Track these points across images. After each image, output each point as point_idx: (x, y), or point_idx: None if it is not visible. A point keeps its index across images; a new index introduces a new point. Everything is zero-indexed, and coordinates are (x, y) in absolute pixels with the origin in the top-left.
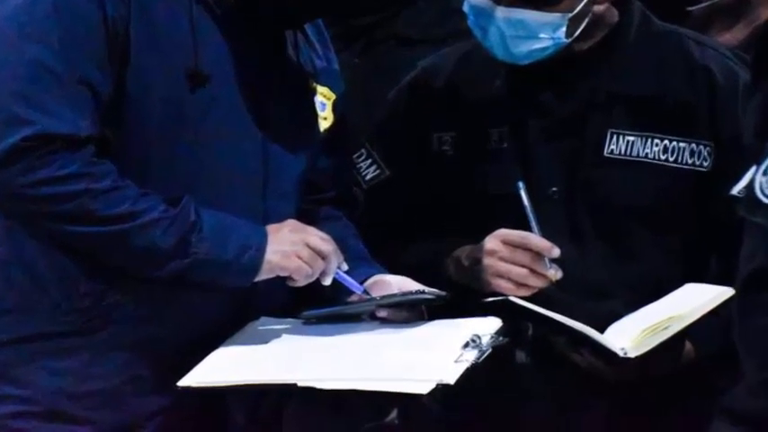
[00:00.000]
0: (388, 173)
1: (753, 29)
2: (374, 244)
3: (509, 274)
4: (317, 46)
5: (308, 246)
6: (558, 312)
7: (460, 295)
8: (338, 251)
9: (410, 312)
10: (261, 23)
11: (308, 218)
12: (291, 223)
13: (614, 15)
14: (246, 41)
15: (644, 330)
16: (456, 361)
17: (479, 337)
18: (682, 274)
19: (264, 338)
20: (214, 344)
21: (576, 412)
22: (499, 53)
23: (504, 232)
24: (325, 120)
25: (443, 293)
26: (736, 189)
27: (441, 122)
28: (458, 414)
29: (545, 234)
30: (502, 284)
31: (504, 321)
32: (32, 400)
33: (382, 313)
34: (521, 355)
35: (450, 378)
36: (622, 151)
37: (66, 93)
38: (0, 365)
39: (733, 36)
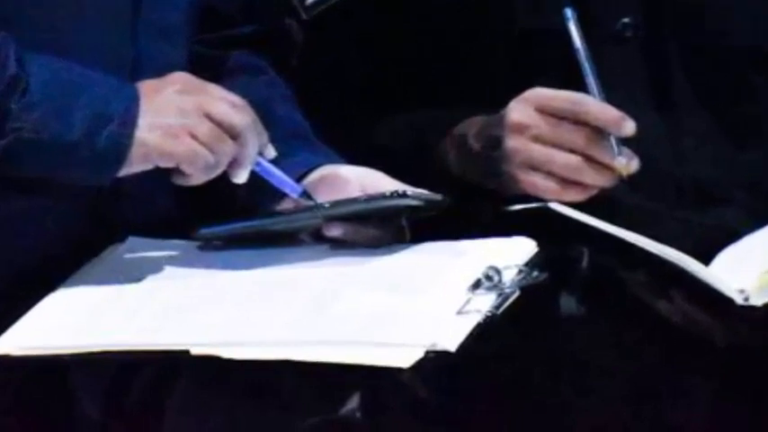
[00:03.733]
0: None
1: None
2: (320, 114)
3: (550, 165)
4: None
5: (209, 116)
6: (631, 229)
7: (467, 200)
8: (259, 125)
9: (382, 229)
10: None
11: (208, 69)
12: (180, 78)
13: None
14: None
15: None
16: (459, 312)
17: (499, 272)
18: None
19: (134, 273)
20: (49, 283)
21: (658, 399)
22: None
23: (541, 94)
24: None
25: (438, 197)
26: None
27: None
28: (461, 402)
29: (611, 96)
30: (538, 182)
31: (540, 244)
32: None
33: (334, 230)
34: (569, 303)
35: (450, 342)
36: None
37: None
38: None
39: None
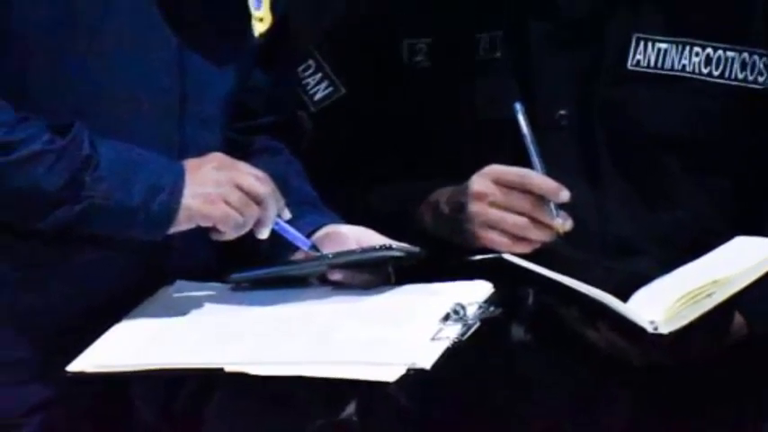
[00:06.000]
0: (343, 91)
1: None
2: (325, 185)
3: (503, 225)
4: None
5: (239, 187)
6: (567, 275)
7: (439, 252)
8: (278, 194)
9: (373, 275)
10: None
11: (238, 150)
12: (216, 157)
13: None
14: None
15: (680, 298)
16: (433, 339)
17: (464, 308)
18: (730, 224)
19: (180, 309)
20: (114, 316)
21: (590, 407)
22: None
23: (496, 169)
24: (262, 21)
25: (416, 250)
26: None
27: (413, 25)
28: (435, 409)
29: (551, 171)
30: (494, 238)
31: (496, 286)
32: None
33: (336, 275)
34: (518, 332)
35: (426, 361)
36: (652, 63)
37: None
38: None
39: None
